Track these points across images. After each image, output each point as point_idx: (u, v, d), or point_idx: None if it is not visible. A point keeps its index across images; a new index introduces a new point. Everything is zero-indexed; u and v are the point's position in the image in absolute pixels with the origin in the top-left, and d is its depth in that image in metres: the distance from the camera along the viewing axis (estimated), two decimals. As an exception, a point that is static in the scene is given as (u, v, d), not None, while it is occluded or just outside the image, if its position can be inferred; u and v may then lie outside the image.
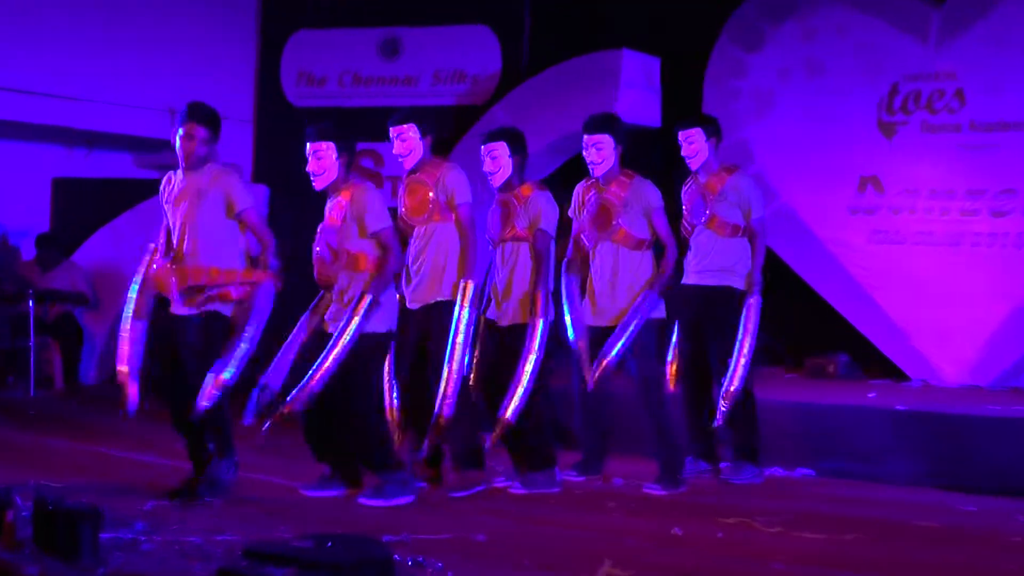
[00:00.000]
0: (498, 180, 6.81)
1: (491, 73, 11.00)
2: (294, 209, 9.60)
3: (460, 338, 6.43)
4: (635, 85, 9.98)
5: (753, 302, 7.15)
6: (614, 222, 6.88)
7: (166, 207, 6.32)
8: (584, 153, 6.99)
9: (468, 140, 10.16)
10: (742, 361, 7.06)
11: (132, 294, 6.32)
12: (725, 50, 10.26)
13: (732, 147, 10.10)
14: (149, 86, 11.30)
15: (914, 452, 7.41)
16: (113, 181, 12.13)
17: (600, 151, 6.91)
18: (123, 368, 6.24)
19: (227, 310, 6.16)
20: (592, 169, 6.98)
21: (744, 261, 7.22)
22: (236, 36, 11.89)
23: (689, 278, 7.31)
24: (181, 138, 6.21)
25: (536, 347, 6.55)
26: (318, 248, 6.39)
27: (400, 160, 6.74)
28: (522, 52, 11.01)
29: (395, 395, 6.69)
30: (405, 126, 6.66)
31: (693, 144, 7.26)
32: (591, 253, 6.99)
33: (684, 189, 7.41)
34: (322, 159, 6.35)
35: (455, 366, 6.42)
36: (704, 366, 7.27)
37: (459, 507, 6.33)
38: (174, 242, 6.24)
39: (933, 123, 9.50)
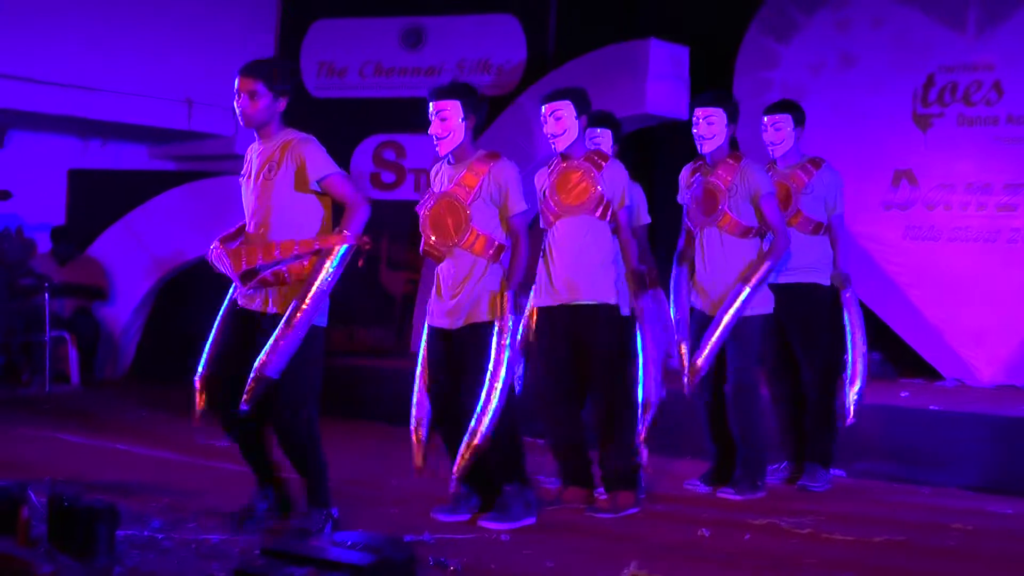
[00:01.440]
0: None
1: (516, 63, 10.92)
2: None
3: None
4: (663, 76, 9.89)
5: (850, 296, 6.92)
6: (719, 207, 6.52)
7: (241, 182, 5.58)
8: (694, 128, 6.59)
9: (493, 132, 10.08)
10: (860, 357, 6.85)
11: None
12: (756, 40, 10.18)
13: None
14: (166, 77, 11.24)
15: (948, 453, 7.29)
16: (129, 173, 12.09)
17: (711, 125, 6.53)
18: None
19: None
20: (700, 145, 6.58)
21: (827, 259, 6.95)
22: (255, 26, 11.83)
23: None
24: (239, 103, 5.41)
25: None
26: (430, 212, 5.80)
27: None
28: (548, 42, 10.96)
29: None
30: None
31: (781, 130, 7.01)
32: (697, 238, 6.64)
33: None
34: (447, 120, 5.75)
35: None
36: (785, 365, 7.02)
37: None
38: (247, 224, 5.52)
39: (970, 116, 9.38)
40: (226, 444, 7.70)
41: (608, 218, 6.14)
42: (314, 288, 5.28)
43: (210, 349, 5.53)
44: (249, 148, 5.61)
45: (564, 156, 6.23)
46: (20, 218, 12.02)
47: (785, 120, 7.00)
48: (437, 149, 5.87)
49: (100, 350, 11.07)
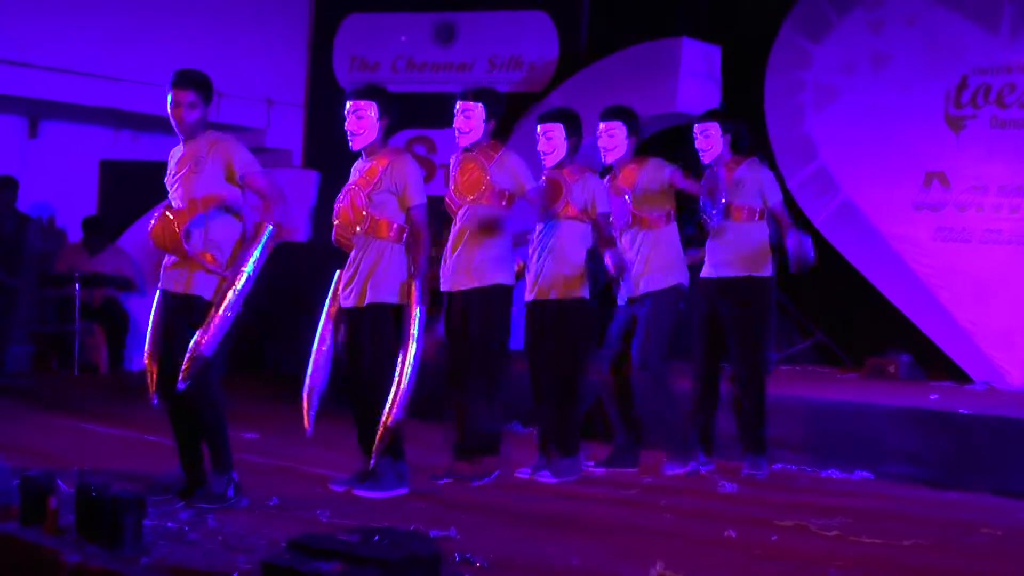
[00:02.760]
0: (551, 161, 6.88)
1: (548, 60, 10.92)
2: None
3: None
4: (695, 74, 9.90)
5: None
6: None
7: (167, 182, 6.01)
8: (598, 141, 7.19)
9: (524, 127, 10.07)
10: None
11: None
12: (788, 40, 10.17)
13: (795, 140, 10.02)
14: (199, 69, 11.25)
15: (977, 457, 7.27)
16: (160, 164, 12.10)
17: (612, 137, 7.11)
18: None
19: (209, 291, 5.80)
20: (604, 156, 7.22)
21: (766, 247, 7.24)
22: (288, 19, 11.87)
23: (710, 271, 7.29)
24: (171, 107, 5.90)
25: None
26: (340, 205, 6.28)
27: (458, 135, 6.68)
28: (580, 39, 10.97)
29: None
30: (472, 103, 6.65)
31: (709, 138, 7.28)
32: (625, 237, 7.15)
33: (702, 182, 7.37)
34: (362, 118, 6.25)
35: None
36: (718, 360, 7.34)
37: (506, 503, 6.29)
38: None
39: (1003, 118, 9.32)
40: (252, 436, 7.79)
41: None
42: (244, 273, 5.72)
43: (149, 332, 5.99)
44: (171, 152, 6.03)
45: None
46: (51, 208, 12.08)
47: (713, 127, 7.29)
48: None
49: (129, 340, 11.12)
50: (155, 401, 5.98)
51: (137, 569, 4.65)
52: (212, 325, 5.69)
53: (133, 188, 11.60)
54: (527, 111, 10.27)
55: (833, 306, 10.19)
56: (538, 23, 11.04)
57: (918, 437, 7.45)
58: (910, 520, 6.19)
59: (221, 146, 5.87)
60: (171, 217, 5.82)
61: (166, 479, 6.05)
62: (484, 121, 6.65)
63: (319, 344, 6.27)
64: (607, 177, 7.23)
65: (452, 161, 6.78)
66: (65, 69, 10.51)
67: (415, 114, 11.06)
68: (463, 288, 6.61)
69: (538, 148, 6.89)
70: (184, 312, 5.80)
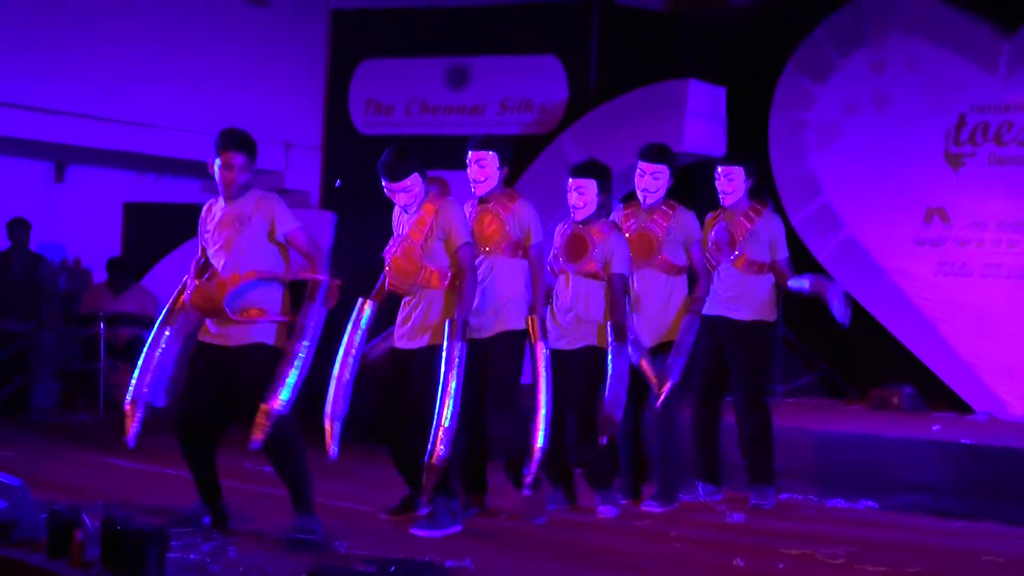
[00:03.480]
0: (581, 215, 6.89)
1: (558, 102, 11.02)
2: (361, 236, 9.65)
3: (543, 373, 6.51)
4: (701, 115, 9.98)
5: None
6: (656, 250, 7.10)
7: (205, 236, 6.04)
8: (638, 180, 7.18)
9: (535, 169, 10.21)
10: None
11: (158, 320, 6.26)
12: (792, 81, 10.21)
13: (798, 178, 10.10)
14: (219, 113, 11.44)
15: (979, 487, 7.32)
16: (182, 206, 12.30)
17: (656, 180, 7.12)
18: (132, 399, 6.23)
19: (270, 337, 5.93)
20: (644, 197, 7.19)
21: (771, 293, 7.39)
22: (305, 65, 12.01)
23: (716, 309, 7.34)
24: (220, 168, 5.90)
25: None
26: (394, 256, 6.27)
27: (474, 185, 6.71)
28: (589, 82, 11.01)
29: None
30: (485, 152, 6.67)
31: (733, 180, 7.37)
32: (632, 278, 7.08)
33: (712, 222, 7.48)
34: (409, 191, 6.24)
35: (544, 399, 6.47)
36: (719, 394, 7.48)
37: (519, 535, 6.35)
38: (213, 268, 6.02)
39: (1001, 155, 9.38)
40: (272, 469, 7.90)
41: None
42: (309, 330, 5.76)
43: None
44: (210, 207, 6.06)
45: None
46: (77, 249, 12.27)
47: (737, 172, 7.37)
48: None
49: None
50: (131, 443, 6.16)
51: (161, 600, 4.74)
52: (283, 380, 5.71)
53: (156, 229, 11.72)
54: (538, 153, 10.42)
55: (837, 340, 10.26)
56: (548, 67, 11.12)
57: (921, 467, 7.51)
58: (914, 549, 6.27)
59: (266, 204, 5.91)
60: (210, 289, 5.88)
61: (185, 511, 6.14)
62: (498, 168, 6.65)
63: (340, 372, 6.23)
64: (629, 209, 7.28)
65: (467, 211, 6.69)
66: (89, 115, 10.70)
67: (429, 155, 11.22)
68: (487, 335, 6.60)
69: (569, 202, 6.87)
70: (250, 361, 5.88)
